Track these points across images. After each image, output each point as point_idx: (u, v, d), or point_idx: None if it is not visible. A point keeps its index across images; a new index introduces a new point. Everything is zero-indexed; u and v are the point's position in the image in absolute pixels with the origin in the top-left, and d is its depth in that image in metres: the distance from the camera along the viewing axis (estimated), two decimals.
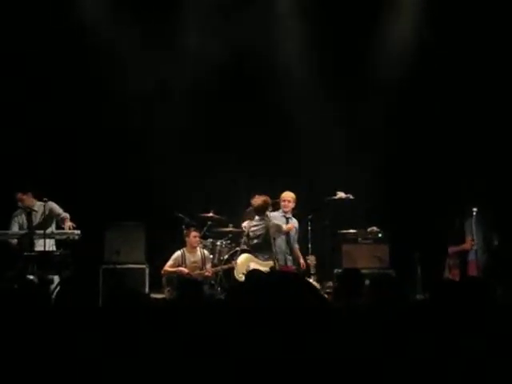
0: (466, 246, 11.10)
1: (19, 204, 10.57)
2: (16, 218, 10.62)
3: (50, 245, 10.24)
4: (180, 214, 12.02)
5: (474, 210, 10.76)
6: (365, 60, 13.08)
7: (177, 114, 12.92)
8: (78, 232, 10.26)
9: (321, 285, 11.59)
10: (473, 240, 10.93)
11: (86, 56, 12.59)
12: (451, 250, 11.26)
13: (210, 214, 12.20)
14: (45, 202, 10.44)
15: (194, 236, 11.53)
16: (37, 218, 10.49)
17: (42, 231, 9.80)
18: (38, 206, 10.59)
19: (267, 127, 13.32)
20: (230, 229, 12.34)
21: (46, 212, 10.48)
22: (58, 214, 10.55)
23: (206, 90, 13.12)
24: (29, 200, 10.49)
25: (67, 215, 10.52)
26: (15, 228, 10.47)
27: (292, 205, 11.67)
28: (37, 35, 12.26)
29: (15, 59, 12.34)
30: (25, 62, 12.39)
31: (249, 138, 13.27)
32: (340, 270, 11.13)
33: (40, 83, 12.41)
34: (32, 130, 12.46)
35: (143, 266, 11.52)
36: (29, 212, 10.38)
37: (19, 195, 10.50)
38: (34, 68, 12.35)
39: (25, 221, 10.51)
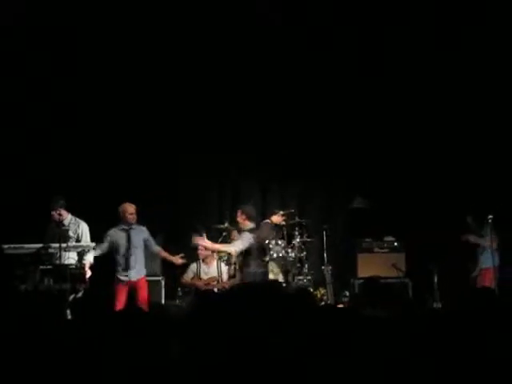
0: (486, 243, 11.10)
1: (56, 219, 10.49)
2: (48, 230, 10.57)
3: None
4: (197, 226, 11.96)
5: (490, 217, 10.72)
6: None
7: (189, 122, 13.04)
8: (94, 244, 10.25)
9: (337, 294, 11.60)
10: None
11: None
12: (467, 238, 11.27)
13: (225, 225, 12.18)
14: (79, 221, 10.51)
15: (201, 248, 11.50)
16: (62, 232, 10.38)
17: (57, 244, 9.78)
18: (68, 220, 10.54)
19: (278, 134, 13.27)
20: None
21: (75, 231, 10.46)
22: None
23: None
24: (55, 216, 10.47)
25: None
26: (47, 241, 10.35)
27: None
28: None
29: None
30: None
31: (259, 146, 13.26)
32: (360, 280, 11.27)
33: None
34: (54, 139, 12.55)
35: (159, 278, 11.55)
36: (58, 225, 10.33)
37: (62, 211, 10.46)
38: None
39: (56, 234, 10.43)
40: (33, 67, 12.24)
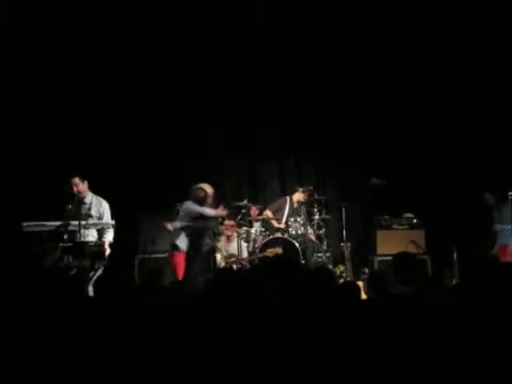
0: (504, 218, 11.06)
1: (74, 190, 10.37)
2: (68, 208, 10.49)
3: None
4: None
5: (510, 194, 10.64)
6: None
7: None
8: (113, 222, 10.24)
9: (356, 271, 11.58)
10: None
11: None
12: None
13: (245, 203, 12.17)
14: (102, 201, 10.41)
15: (230, 225, 11.57)
16: (84, 210, 10.30)
17: (77, 222, 9.77)
18: (89, 198, 10.46)
19: (296, 111, 13.29)
20: (265, 217, 12.32)
21: (98, 210, 10.39)
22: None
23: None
24: (83, 188, 10.36)
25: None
26: (67, 218, 10.26)
27: None
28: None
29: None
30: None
31: (276, 123, 13.29)
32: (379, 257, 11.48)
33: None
34: (72, 122, 12.55)
35: None
36: (78, 202, 10.24)
37: (75, 180, 10.36)
38: None
39: (74, 210, 10.32)
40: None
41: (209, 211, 10.61)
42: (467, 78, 12.54)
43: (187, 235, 10.52)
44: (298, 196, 12.20)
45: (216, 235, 11.30)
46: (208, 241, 10.60)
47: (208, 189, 10.81)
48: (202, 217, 10.56)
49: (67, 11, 12.10)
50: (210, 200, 10.79)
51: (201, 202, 10.61)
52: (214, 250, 11.00)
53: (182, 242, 10.50)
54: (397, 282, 5.91)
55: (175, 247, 10.55)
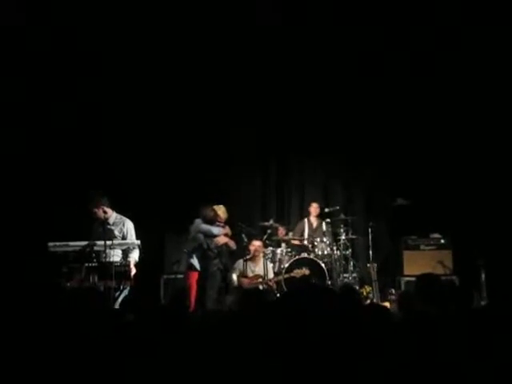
0: None
1: (102, 216, 10.37)
2: (94, 228, 10.48)
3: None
4: (240, 223, 11.87)
5: None
6: None
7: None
8: (138, 242, 10.22)
9: (383, 292, 11.49)
10: None
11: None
12: None
13: (270, 223, 12.13)
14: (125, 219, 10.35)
15: (258, 246, 11.53)
16: (109, 230, 10.27)
17: (102, 242, 9.76)
18: (113, 218, 10.43)
19: (322, 135, 13.23)
20: (290, 237, 12.28)
21: (120, 230, 10.34)
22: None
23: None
24: (100, 213, 10.34)
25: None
26: (93, 238, 10.26)
27: None
28: None
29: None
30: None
31: (302, 145, 13.24)
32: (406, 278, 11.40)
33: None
34: (99, 138, 12.55)
35: None
36: (102, 222, 10.23)
37: (106, 208, 10.34)
38: None
39: (100, 231, 10.32)
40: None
41: (217, 231, 10.71)
42: (490, 95, 12.40)
43: (197, 255, 10.56)
44: (312, 211, 12.31)
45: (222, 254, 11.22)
46: (215, 261, 10.60)
47: (220, 211, 10.85)
48: (209, 237, 10.59)
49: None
50: (220, 224, 10.82)
51: (210, 222, 10.66)
52: (226, 269, 11.01)
53: (196, 261, 10.55)
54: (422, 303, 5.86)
55: (191, 267, 10.58)
